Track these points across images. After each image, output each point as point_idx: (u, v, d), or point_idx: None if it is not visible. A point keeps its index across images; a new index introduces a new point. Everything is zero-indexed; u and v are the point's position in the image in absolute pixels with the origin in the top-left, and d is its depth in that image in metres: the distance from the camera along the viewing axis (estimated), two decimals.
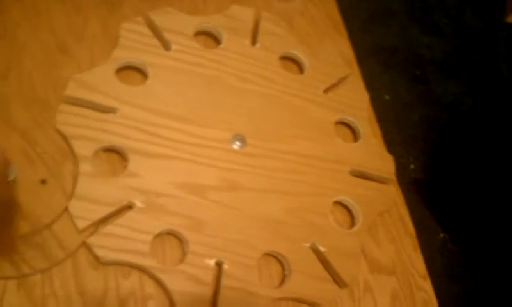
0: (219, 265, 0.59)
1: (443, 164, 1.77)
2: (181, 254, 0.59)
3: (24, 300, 0.53)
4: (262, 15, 0.77)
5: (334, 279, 0.64)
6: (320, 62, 0.77)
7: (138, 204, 0.58)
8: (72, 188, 0.57)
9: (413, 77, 1.93)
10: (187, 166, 0.63)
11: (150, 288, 0.57)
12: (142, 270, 0.57)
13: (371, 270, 0.68)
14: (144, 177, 0.60)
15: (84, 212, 0.56)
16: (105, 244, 0.55)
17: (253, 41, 0.75)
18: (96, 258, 0.55)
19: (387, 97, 1.82)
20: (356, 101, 0.77)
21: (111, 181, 0.59)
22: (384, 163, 0.74)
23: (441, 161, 1.77)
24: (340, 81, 0.77)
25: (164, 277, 0.56)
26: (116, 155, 0.62)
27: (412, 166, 1.73)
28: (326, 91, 0.76)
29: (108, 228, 0.56)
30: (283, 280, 0.62)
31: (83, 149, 0.59)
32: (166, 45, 0.69)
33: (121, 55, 0.66)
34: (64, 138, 0.59)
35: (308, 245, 0.64)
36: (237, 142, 0.66)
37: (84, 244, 0.56)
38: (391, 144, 0.76)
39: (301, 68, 0.77)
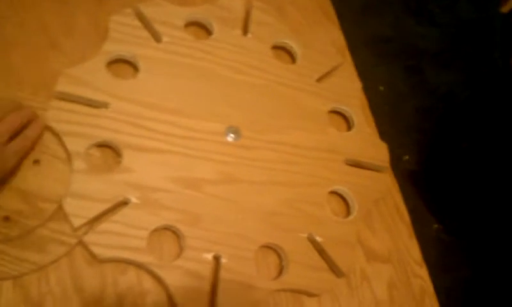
0: (216, 258, 0.59)
1: (437, 154, 1.78)
2: (178, 249, 0.59)
3: (21, 299, 0.52)
4: (253, 4, 0.76)
5: (331, 269, 0.64)
6: (312, 51, 0.77)
7: (133, 200, 0.58)
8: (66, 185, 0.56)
9: (408, 67, 1.93)
10: (182, 160, 0.62)
11: (148, 283, 0.57)
12: (139, 266, 0.57)
13: (367, 258, 0.68)
14: (139, 172, 0.59)
15: (79, 210, 0.55)
16: (102, 242, 0.55)
17: (245, 31, 0.74)
18: (93, 255, 0.55)
19: (381, 88, 1.82)
20: (349, 90, 0.76)
21: (105, 177, 0.58)
22: (378, 151, 0.74)
23: (435, 152, 1.78)
24: (332, 70, 0.77)
25: (161, 273, 0.56)
26: (109, 150, 0.61)
27: (406, 157, 1.73)
28: (318, 80, 0.75)
29: (104, 225, 0.56)
30: (280, 271, 0.62)
31: (76, 145, 0.58)
32: (156, 37, 0.68)
33: (112, 49, 0.65)
34: (56, 135, 0.58)
35: (304, 235, 0.64)
36: (231, 135, 0.66)
37: (80, 242, 0.55)
38: (385, 134, 0.76)
39: (293, 58, 0.77)
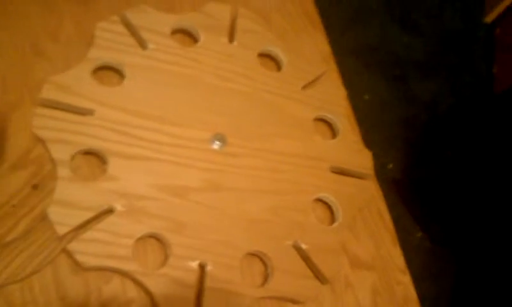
0: (202, 266, 0.59)
1: (421, 163, 1.79)
2: (163, 257, 0.59)
3: None
4: (239, 12, 0.76)
5: (316, 276, 0.64)
6: (298, 59, 0.77)
7: (119, 208, 0.57)
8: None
9: (393, 76, 1.95)
10: (167, 167, 0.62)
11: (133, 292, 0.57)
12: (124, 274, 0.56)
13: (351, 265, 0.68)
14: (124, 180, 0.59)
15: (63, 218, 0.55)
16: (86, 250, 0.55)
17: (231, 39, 0.74)
18: (77, 263, 0.54)
19: (366, 97, 1.84)
20: (334, 97, 0.77)
21: (91, 185, 0.58)
22: (362, 159, 0.74)
23: (420, 160, 1.80)
24: (317, 78, 0.77)
25: (146, 281, 0.56)
26: (95, 158, 0.61)
27: (390, 165, 1.74)
28: (304, 87, 0.76)
29: (89, 233, 0.55)
30: (266, 279, 0.63)
31: (61, 153, 0.58)
32: (142, 44, 0.68)
33: (97, 56, 0.65)
34: (42, 142, 0.58)
35: (290, 243, 0.64)
36: (217, 142, 0.66)
37: (64, 250, 0.55)
38: (370, 143, 0.77)
39: (278, 65, 0.77)
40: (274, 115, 0.72)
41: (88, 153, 0.61)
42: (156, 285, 0.56)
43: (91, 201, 0.57)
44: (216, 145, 0.66)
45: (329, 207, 0.70)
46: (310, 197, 0.69)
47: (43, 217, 0.55)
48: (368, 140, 0.77)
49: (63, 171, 0.57)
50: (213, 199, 0.63)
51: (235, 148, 0.67)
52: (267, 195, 0.66)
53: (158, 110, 0.65)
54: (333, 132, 0.76)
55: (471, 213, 1.67)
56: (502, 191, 1.66)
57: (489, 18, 2.20)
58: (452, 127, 1.85)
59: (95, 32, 0.66)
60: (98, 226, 0.56)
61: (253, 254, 0.63)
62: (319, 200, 0.70)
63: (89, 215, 0.56)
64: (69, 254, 0.55)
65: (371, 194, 0.73)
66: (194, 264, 0.58)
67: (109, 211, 0.57)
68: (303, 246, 0.64)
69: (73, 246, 0.54)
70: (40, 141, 0.58)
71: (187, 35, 0.74)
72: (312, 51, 0.81)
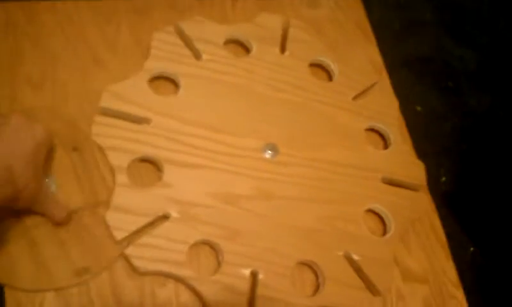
0: (254, 274, 0.59)
1: (475, 176, 1.75)
2: (216, 264, 0.60)
3: None
4: (290, 23, 0.77)
5: (367, 288, 0.64)
6: (349, 69, 0.77)
7: (174, 214, 0.59)
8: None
9: (446, 88, 1.91)
10: (220, 176, 0.63)
11: (186, 297, 0.58)
12: (178, 280, 0.57)
13: (403, 278, 0.67)
14: (179, 187, 0.61)
15: (121, 223, 0.56)
16: (143, 255, 0.56)
17: (282, 49, 0.75)
18: (134, 268, 0.56)
19: (419, 108, 1.81)
20: (386, 108, 0.77)
21: (147, 191, 0.59)
22: (415, 170, 0.73)
23: (473, 174, 1.75)
24: (369, 88, 0.77)
25: (200, 287, 0.56)
26: (150, 165, 0.63)
27: (443, 178, 1.71)
28: (355, 98, 0.75)
29: (144, 239, 0.57)
30: (317, 289, 0.63)
31: (119, 160, 0.60)
32: (196, 55, 0.70)
33: (154, 66, 0.67)
34: (100, 149, 0.60)
35: (341, 253, 0.64)
36: (269, 151, 0.67)
37: (122, 255, 0.56)
38: (422, 155, 0.75)
39: (330, 75, 0.77)
40: (326, 125, 0.72)
41: (144, 160, 0.62)
42: (209, 291, 0.56)
43: (147, 207, 0.58)
44: (268, 154, 0.67)
45: (381, 218, 0.70)
46: (361, 207, 0.68)
47: None
48: (421, 152, 0.76)
49: (120, 178, 0.59)
50: (264, 207, 0.63)
51: (286, 157, 0.67)
52: (318, 204, 0.66)
53: (212, 119, 0.66)
54: (385, 142, 0.75)
55: None
56: None
57: None
58: (506, 140, 1.79)
59: (152, 43, 0.68)
60: (153, 231, 0.57)
61: (304, 264, 0.63)
62: (371, 211, 0.70)
63: (145, 221, 0.57)
64: (126, 259, 0.56)
65: (424, 206, 0.72)
66: (247, 272, 0.59)
67: (165, 217, 0.59)
68: (355, 257, 0.64)
69: (130, 251, 0.56)
70: (99, 148, 0.60)
71: (240, 45, 0.75)
72: (363, 62, 0.81)
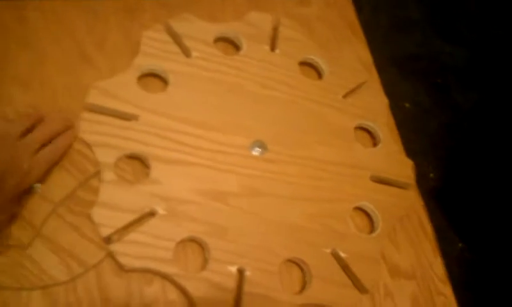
0: (241, 271, 0.59)
1: (462, 173, 1.76)
2: (203, 261, 0.60)
3: None
4: (280, 21, 0.77)
5: (355, 285, 0.64)
6: (339, 67, 0.77)
7: (160, 211, 0.59)
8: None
9: (434, 85, 1.92)
10: (208, 173, 0.63)
11: (173, 294, 0.58)
12: (165, 277, 0.57)
13: (391, 274, 0.67)
14: (166, 184, 0.60)
15: (107, 220, 0.56)
16: (129, 252, 0.56)
17: (272, 47, 0.75)
18: (120, 265, 0.56)
19: (407, 105, 1.81)
20: (375, 106, 0.77)
21: (134, 188, 0.59)
22: (403, 168, 0.74)
23: (461, 170, 1.76)
24: (358, 86, 0.77)
25: (187, 284, 0.56)
26: (138, 162, 0.62)
27: (431, 175, 1.72)
28: (345, 96, 0.76)
29: (131, 236, 0.57)
30: (304, 286, 0.63)
31: (106, 156, 0.60)
32: (186, 52, 0.70)
33: (143, 63, 0.67)
34: (87, 146, 0.60)
35: (328, 251, 0.64)
36: (257, 149, 0.67)
37: (108, 252, 0.56)
38: (411, 152, 0.76)
39: (319, 74, 0.77)
40: (315, 123, 0.72)
41: (132, 157, 0.62)
42: (196, 288, 0.56)
43: (133, 204, 0.58)
44: (256, 152, 0.67)
45: (368, 216, 0.70)
46: (349, 205, 0.68)
47: None
48: (409, 149, 0.77)
49: (107, 174, 0.59)
50: (252, 204, 0.63)
51: (275, 155, 0.67)
52: (306, 202, 0.66)
53: (200, 116, 0.66)
54: (374, 140, 0.76)
55: None
56: None
57: None
58: (494, 136, 1.80)
59: (141, 40, 0.68)
60: (140, 228, 0.57)
61: (292, 261, 0.64)
62: (359, 209, 0.70)
63: (131, 217, 0.57)
64: (112, 256, 0.56)
65: (412, 203, 0.72)
66: (233, 269, 0.59)
67: (151, 214, 0.59)
68: (342, 254, 0.64)
69: (116, 248, 0.56)
70: (86, 144, 0.60)
71: (230, 43, 0.75)
72: (353, 60, 0.81)
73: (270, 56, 0.74)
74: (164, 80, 0.68)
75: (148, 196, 0.59)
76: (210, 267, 0.58)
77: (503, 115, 1.85)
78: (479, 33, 2.10)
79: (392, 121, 0.78)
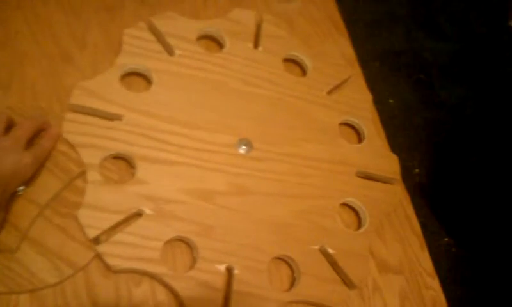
0: (229, 270, 0.59)
1: (447, 168, 1.77)
2: (191, 260, 0.59)
3: None
4: (263, 18, 0.77)
5: (343, 281, 0.64)
6: (323, 63, 0.77)
7: (147, 211, 0.58)
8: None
9: (418, 80, 1.94)
10: (195, 172, 0.63)
11: (162, 295, 0.57)
12: (153, 277, 0.57)
13: (379, 270, 0.68)
14: (152, 184, 0.60)
15: (93, 221, 0.55)
16: (116, 253, 0.55)
17: (256, 44, 0.75)
18: (108, 266, 0.55)
19: (391, 101, 1.82)
20: (360, 102, 0.77)
21: (120, 188, 0.58)
22: (389, 163, 0.74)
23: (445, 165, 1.78)
24: (343, 82, 0.77)
25: (175, 284, 0.56)
26: (123, 162, 0.62)
27: (417, 170, 1.73)
28: (329, 92, 0.76)
29: (118, 236, 0.56)
30: (292, 283, 0.62)
31: (91, 157, 0.59)
32: (169, 50, 0.69)
33: (125, 62, 0.66)
34: (72, 146, 0.59)
35: (316, 247, 0.64)
36: (243, 147, 0.66)
37: (95, 253, 0.55)
38: (395, 148, 0.76)
39: (303, 70, 0.77)
40: (300, 120, 0.72)
41: (117, 157, 0.61)
42: (184, 288, 0.56)
43: (120, 204, 0.57)
44: (242, 150, 0.66)
45: (355, 212, 0.70)
46: (336, 201, 0.68)
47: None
48: (394, 144, 0.77)
49: (92, 175, 0.58)
50: (239, 203, 0.63)
51: (261, 153, 0.67)
52: (293, 199, 0.66)
53: (185, 115, 0.65)
54: (359, 136, 0.76)
55: (497, 218, 1.64)
56: None
57: None
58: (477, 132, 1.82)
59: (123, 39, 0.67)
60: (127, 229, 0.57)
61: (280, 259, 0.63)
62: (346, 205, 0.70)
63: (118, 218, 0.57)
64: (99, 257, 0.55)
65: (398, 198, 0.72)
66: (222, 267, 0.58)
67: (138, 214, 0.58)
68: (330, 251, 0.64)
69: (104, 249, 0.55)
70: (70, 145, 0.59)
71: (213, 41, 0.75)
72: (336, 56, 0.81)
73: (253, 53, 0.74)
74: (147, 79, 0.67)
75: (135, 196, 0.58)
76: (199, 266, 0.58)
77: (487, 110, 1.88)
78: (462, 29, 2.12)
79: (376, 116, 0.79)
